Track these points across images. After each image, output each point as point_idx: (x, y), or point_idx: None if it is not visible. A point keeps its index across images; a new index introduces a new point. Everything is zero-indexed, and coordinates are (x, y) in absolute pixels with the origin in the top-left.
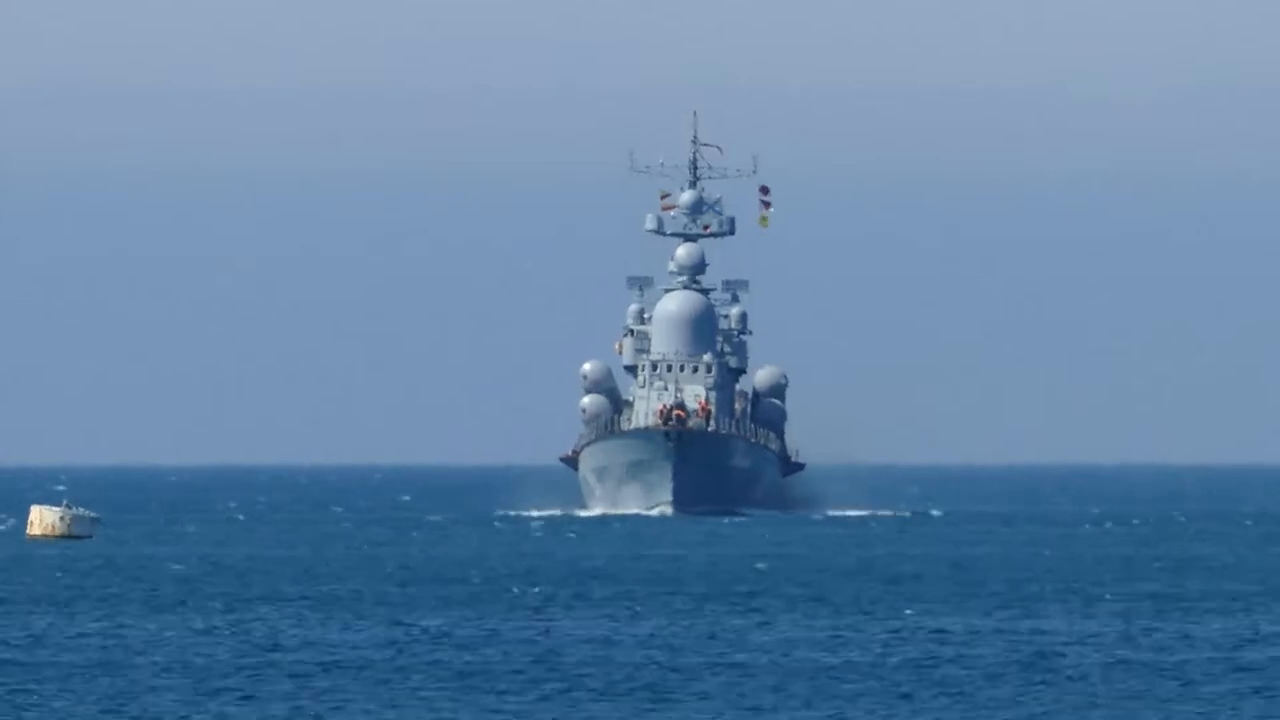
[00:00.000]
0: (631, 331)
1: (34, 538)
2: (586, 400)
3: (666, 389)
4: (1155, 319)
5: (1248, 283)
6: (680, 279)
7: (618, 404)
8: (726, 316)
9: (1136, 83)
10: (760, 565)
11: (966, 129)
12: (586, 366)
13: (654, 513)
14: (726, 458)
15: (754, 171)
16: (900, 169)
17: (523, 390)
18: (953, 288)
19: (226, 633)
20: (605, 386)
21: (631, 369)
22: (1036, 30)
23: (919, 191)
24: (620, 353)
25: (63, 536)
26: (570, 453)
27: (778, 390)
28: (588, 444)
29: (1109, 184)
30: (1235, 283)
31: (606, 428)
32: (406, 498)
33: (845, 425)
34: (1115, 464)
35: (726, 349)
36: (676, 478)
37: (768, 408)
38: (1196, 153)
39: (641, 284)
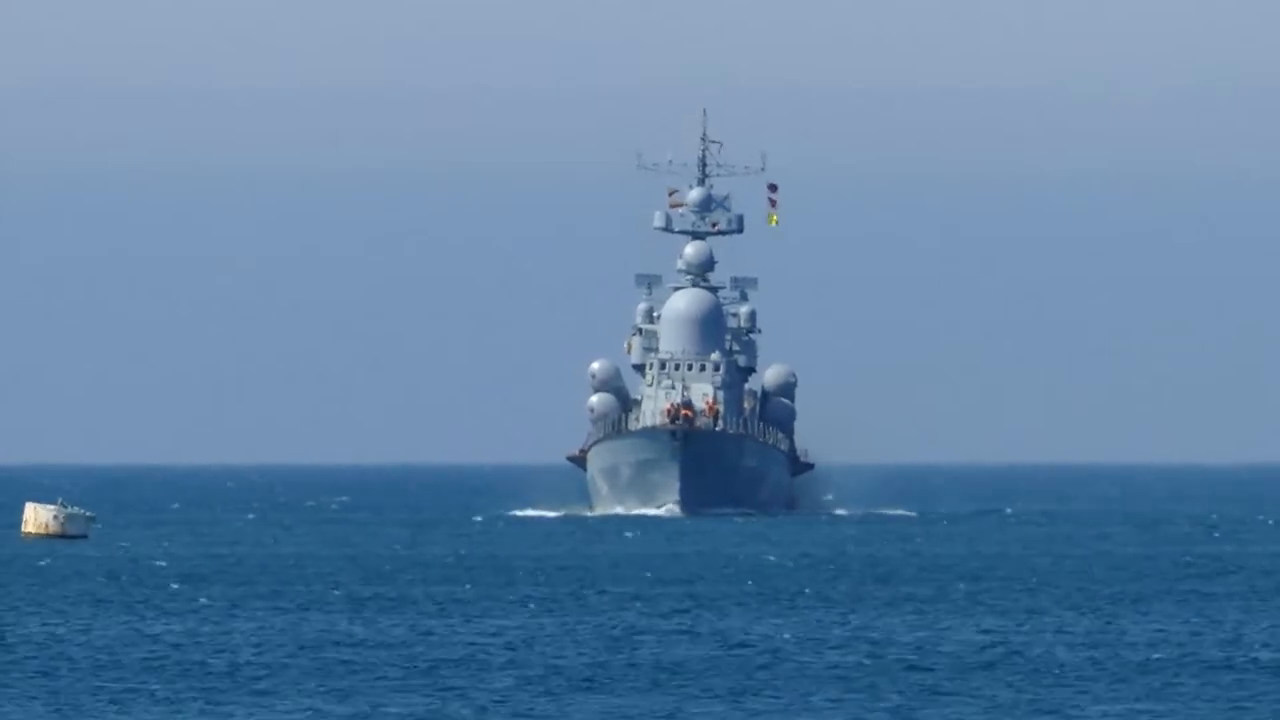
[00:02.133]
0: (640, 330)
1: (28, 536)
2: (594, 399)
3: (674, 388)
4: (1155, 319)
5: (1248, 283)
6: (688, 277)
7: (626, 403)
8: (735, 315)
9: (1136, 83)
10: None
11: (966, 129)
12: (594, 365)
13: (661, 512)
14: (734, 457)
15: (762, 169)
16: (901, 169)
17: (530, 389)
18: (953, 288)
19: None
20: (613, 385)
21: (640, 368)
22: (1036, 30)
23: (919, 191)
24: (629, 351)
25: (57, 535)
26: (578, 452)
27: (787, 389)
28: (595, 443)
29: (1109, 184)
30: (1235, 283)
31: (614, 427)
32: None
33: (855, 424)
34: (1120, 464)
35: (735, 347)
36: (683, 477)
37: (777, 407)
38: (1196, 153)
39: (650, 282)
